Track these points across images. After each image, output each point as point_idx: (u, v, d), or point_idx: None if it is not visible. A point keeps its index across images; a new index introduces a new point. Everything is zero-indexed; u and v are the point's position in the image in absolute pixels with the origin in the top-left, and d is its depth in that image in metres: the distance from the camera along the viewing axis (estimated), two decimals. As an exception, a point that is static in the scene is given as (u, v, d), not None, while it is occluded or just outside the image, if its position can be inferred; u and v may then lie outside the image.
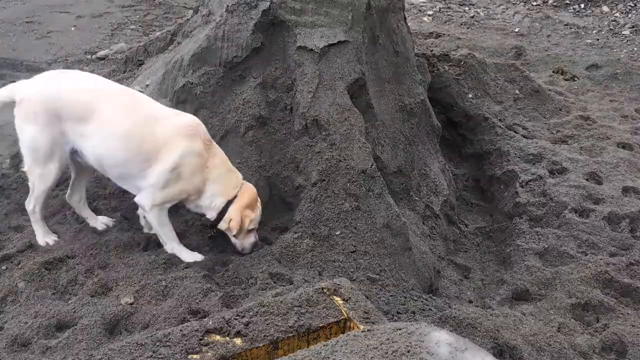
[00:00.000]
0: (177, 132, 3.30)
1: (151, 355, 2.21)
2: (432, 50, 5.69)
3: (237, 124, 3.94)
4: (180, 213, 3.85)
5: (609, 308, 3.45)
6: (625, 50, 7.28)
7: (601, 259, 3.80)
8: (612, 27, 7.99)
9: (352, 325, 2.39)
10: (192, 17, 5.00)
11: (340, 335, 2.06)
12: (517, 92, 5.64)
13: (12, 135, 5.12)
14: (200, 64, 4.06)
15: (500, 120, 5.27)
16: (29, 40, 6.97)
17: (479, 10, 8.69)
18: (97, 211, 3.89)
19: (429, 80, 4.94)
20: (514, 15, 8.49)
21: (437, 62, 5.34)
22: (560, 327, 3.28)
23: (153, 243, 3.61)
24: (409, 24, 4.72)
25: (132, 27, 7.52)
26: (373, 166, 3.77)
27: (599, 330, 3.30)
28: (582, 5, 8.77)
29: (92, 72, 6.05)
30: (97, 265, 3.39)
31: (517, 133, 5.15)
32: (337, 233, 3.56)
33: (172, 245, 3.47)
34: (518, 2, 8.98)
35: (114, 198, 3.97)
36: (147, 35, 7.06)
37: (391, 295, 3.23)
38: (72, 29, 7.41)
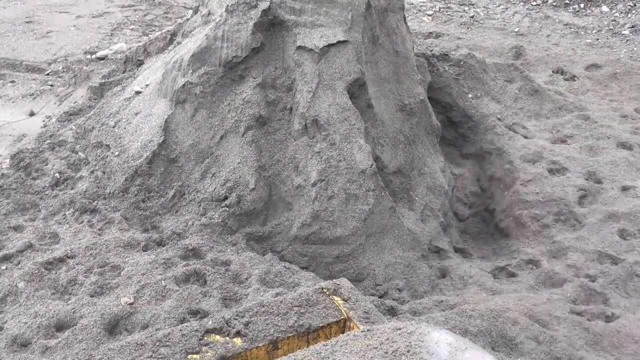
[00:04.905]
0: None
1: (151, 355, 2.22)
2: (432, 50, 5.69)
3: (236, 123, 3.94)
4: (181, 213, 3.85)
5: (609, 304, 3.46)
6: (624, 50, 7.27)
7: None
8: (611, 27, 7.99)
9: (352, 325, 2.39)
10: (191, 17, 5.00)
11: (340, 335, 2.06)
12: (517, 92, 5.63)
13: (12, 135, 5.13)
14: (199, 64, 4.06)
15: (500, 120, 5.26)
16: (29, 40, 6.96)
17: (478, 10, 8.68)
18: (97, 211, 3.88)
19: (428, 80, 4.94)
20: (513, 15, 8.48)
21: (437, 62, 5.34)
22: (560, 323, 3.28)
23: (153, 243, 3.61)
24: (408, 24, 4.72)
25: (132, 27, 7.51)
26: (373, 166, 3.77)
27: (600, 326, 3.30)
28: (582, 5, 8.76)
29: (91, 72, 6.06)
30: (97, 265, 3.38)
31: (517, 133, 5.15)
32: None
33: None
34: (518, 2, 8.97)
35: (114, 198, 3.96)
36: (147, 35, 7.05)
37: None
38: (72, 29, 7.41)
